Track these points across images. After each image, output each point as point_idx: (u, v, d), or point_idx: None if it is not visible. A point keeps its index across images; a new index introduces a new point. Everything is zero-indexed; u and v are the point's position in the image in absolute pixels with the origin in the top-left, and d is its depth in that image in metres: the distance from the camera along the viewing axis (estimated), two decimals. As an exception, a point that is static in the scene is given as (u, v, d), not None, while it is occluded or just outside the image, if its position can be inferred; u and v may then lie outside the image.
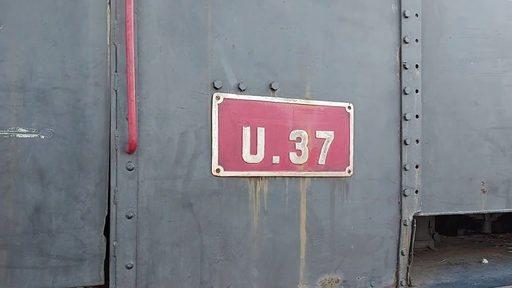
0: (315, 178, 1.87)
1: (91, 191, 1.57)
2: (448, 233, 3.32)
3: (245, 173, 1.75)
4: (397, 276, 2.04)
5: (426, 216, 2.22)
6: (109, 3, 1.60)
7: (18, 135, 1.49)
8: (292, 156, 1.82)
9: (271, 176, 1.80)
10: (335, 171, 1.90)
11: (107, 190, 1.58)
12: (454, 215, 3.29)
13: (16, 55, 1.49)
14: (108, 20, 1.60)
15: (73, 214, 1.55)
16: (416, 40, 2.07)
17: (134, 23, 1.56)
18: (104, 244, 1.59)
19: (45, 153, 1.52)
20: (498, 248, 2.93)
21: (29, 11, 1.51)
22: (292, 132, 1.83)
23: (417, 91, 2.06)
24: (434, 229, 2.92)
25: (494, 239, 3.23)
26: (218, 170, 1.71)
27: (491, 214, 3.22)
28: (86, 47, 1.57)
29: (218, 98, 1.72)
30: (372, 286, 1.98)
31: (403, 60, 2.04)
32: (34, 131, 1.51)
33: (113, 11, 1.60)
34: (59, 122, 1.53)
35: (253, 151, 1.76)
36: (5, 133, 1.48)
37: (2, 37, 1.47)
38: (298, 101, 1.84)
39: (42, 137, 1.52)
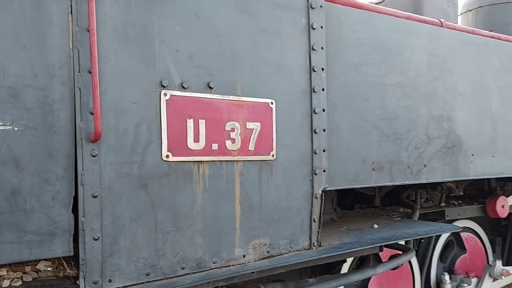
0: (246, 161, 2.27)
1: (60, 175, 1.81)
2: (347, 208, 3.93)
3: (190, 158, 2.10)
4: (310, 239, 2.51)
5: (331, 190, 2.72)
6: (71, 12, 1.84)
7: (-11, 127, 1.70)
8: (228, 143, 2.21)
9: (211, 161, 2.16)
10: (262, 155, 2.32)
11: (74, 174, 1.84)
12: (351, 193, 3.91)
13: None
14: (71, 28, 1.84)
15: (45, 195, 1.78)
16: (322, 47, 2.56)
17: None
18: (72, 220, 1.84)
19: (19, 143, 1.73)
20: (386, 217, 3.59)
21: (2, 19, 1.71)
22: (227, 123, 2.21)
23: (323, 89, 2.55)
24: (336, 205, 3.49)
25: (383, 210, 3.91)
26: (167, 156, 2.04)
27: (380, 189, 3.89)
28: (52, 51, 1.80)
29: (165, 94, 2.04)
30: (291, 247, 2.44)
31: (312, 64, 2.51)
32: (8, 124, 1.72)
33: (75, 19, 1.84)
34: (30, 115, 1.76)
35: (196, 139, 2.12)
36: (-20, 125, 1.68)
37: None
38: (231, 97, 2.23)
39: (16, 128, 1.73)
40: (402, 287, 3.99)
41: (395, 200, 3.99)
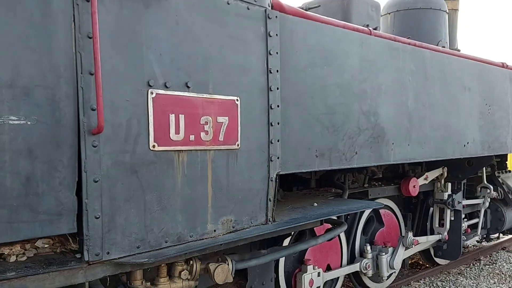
0: (217, 150, 2.66)
1: (65, 163, 2.09)
2: (286, 190, 4.46)
3: (171, 148, 2.45)
4: (266, 215, 2.97)
5: (284, 174, 3.18)
6: (74, 21, 2.11)
7: (10, 122, 1.94)
8: (202, 135, 2.58)
9: (189, 150, 2.53)
10: (229, 145, 2.72)
11: (77, 162, 2.12)
12: (290, 176, 4.43)
13: (6, 60, 1.92)
14: (73, 34, 2.11)
15: (53, 181, 2.05)
16: (277, 52, 2.99)
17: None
18: (76, 202, 2.13)
19: (31, 136, 1.99)
20: (321, 197, 4.15)
21: (15, 26, 1.94)
22: (202, 117, 2.58)
23: (278, 88, 2.99)
24: (279, 187, 3.99)
25: (318, 191, 4.48)
26: (154, 146, 2.37)
27: (316, 173, 4.45)
28: (58, 55, 2.06)
29: (152, 93, 2.37)
30: (252, 223, 2.88)
31: (269, 67, 2.93)
32: (22, 119, 1.97)
33: (77, 27, 2.11)
34: (41, 111, 2.01)
35: (177, 131, 2.47)
36: (6, 119, 1.91)
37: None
38: (205, 95, 2.59)
39: (29, 123, 1.99)
40: (332, 257, 4.62)
41: (327, 182, 4.58)
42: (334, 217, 3.86)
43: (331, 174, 4.46)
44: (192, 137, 2.53)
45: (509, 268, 6.53)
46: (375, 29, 5.17)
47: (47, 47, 2.03)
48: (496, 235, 7.40)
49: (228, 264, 2.80)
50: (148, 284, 2.54)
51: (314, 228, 4.08)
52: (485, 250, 7.21)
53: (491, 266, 6.60)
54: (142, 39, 2.33)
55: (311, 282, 4.19)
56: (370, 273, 4.88)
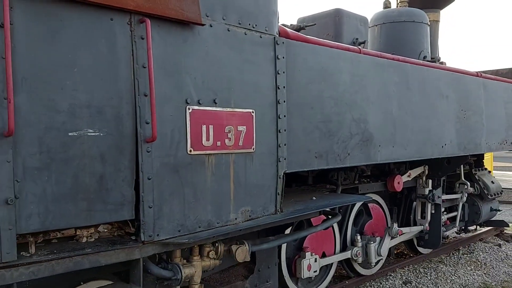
0: (237, 153, 3.30)
1: (126, 165, 2.71)
2: (286, 186, 5.10)
3: (203, 152, 3.08)
4: (275, 206, 3.62)
5: (288, 172, 3.83)
6: (132, 55, 2.73)
7: (88, 133, 2.56)
8: (226, 141, 3.22)
9: (216, 153, 3.17)
10: (246, 149, 3.36)
11: (135, 164, 2.75)
12: (289, 174, 5.07)
13: (84, 87, 2.54)
14: (132, 65, 2.73)
15: (118, 179, 2.68)
16: (283, 72, 3.63)
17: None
18: (134, 195, 2.75)
19: (103, 144, 2.61)
20: (318, 192, 4.82)
21: (90, 61, 2.57)
22: (226, 127, 3.22)
23: (284, 101, 3.63)
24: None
25: (314, 187, 5.15)
26: (190, 151, 3.01)
27: (313, 171, 5.11)
28: (121, 81, 2.68)
29: (189, 109, 3.00)
30: (264, 213, 3.52)
31: (277, 84, 3.58)
32: (96, 131, 2.59)
33: (135, 59, 2.73)
34: (109, 125, 2.63)
35: (207, 139, 3.10)
36: (81, 132, 2.53)
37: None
38: (228, 109, 3.23)
39: (101, 134, 2.61)
40: (327, 246, 5.28)
41: (323, 179, 5.25)
42: (328, 209, 4.52)
43: (326, 172, 5.13)
44: (218, 143, 3.17)
45: (484, 257, 7.27)
46: (363, 42, 5.89)
47: (113, 76, 2.65)
48: (474, 227, 8.14)
49: (245, 246, 3.44)
50: (184, 261, 3.18)
51: (311, 219, 4.75)
52: (463, 241, 7.96)
53: (468, 255, 7.33)
54: (181, 67, 2.96)
55: (309, 266, 4.86)
56: (360, 260, 5.56)
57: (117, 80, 2.67)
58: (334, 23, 5.92)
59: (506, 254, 7.56)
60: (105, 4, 2.57)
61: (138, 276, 2.84)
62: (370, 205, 5.88)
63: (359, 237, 5.55)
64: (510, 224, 8.79)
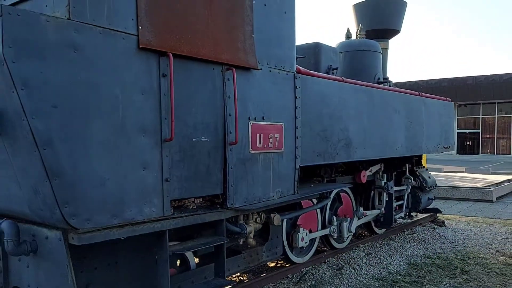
0: (274, 152, 5.11)
1: (219, 159, 4.44)
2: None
3: (257, 151, 4.86)
4: (294, 189, 5.45)
5: (305, 166, 5.66)
6: (223, 89, 4.46)
7: (202, 140, 4.26)
8: (269, 144, 5.02)
9: (263, 152, 4.95)
10: (279, 149, 5.18)
11: (223, 159, 4.47)
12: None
13: (201, 110, 4.24)
14: (223, 97, 4.46)
15: (216, 167, 4.40)
16: (299, 97, 5.49)
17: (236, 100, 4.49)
18: (222, 178, 4.48)
19: (209, 146, 4.32)
20: (311, 182, 6.70)
21: (203, 94, 4.28)
22: (269, 135, 5.01)
23: (299, 117, 5.48)
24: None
25: (306, 179, 7.03)
26: (251, 150, 4.78)
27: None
28: (218, 107, 4.40)
29: (250, 123, 4.77)
30: (288, 193, 5.34)
31: (296, 105, 5.42)
32: (205, 138, 4.30)
33: (225, 93, 4.47)
34: (211, 134, 4.35)
35: (259, 143, 4.88)
36: (198, 139, 4.23)
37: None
38: (269, 123, 5.03)
39: (208, 140, 4.32)
40: (312, 225, 7.18)
41: (310, 173, 7.15)
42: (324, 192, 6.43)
43: (314, 168, 7.03)
44: (265, 145, 4.96)
45: (424, 236, 9.51)
46: (336, 68, 7.89)
47: (214, 103, 4.37)
48: (415, 214, 10.43)
49: (278, 215, 5.27)
50: (243, 222, 4.94)
51: (302, 202, 6.63)
52: (407, 225, 10.20)
53: (411, 235, 9.54)
54: (246, 96, 4.73)
55: (302, 239, 6.73)
56: (335, 235, 7.52)
57: (216, 106, 4.40)
58: (314, 54, 7.87)
59: (439, 235, 9.87)
60: (211, 60, 4.30)
61: (223, 230, 4.56)
62: (341, 194, 7.87)
63: (334, 218, 7.50)
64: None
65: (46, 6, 3.34)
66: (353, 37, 9.61)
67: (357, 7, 10.44)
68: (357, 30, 9.58)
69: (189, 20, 4.04)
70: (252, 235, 5.00)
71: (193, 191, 4.23)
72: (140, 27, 3.65)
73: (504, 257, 8.15)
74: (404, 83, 39.54)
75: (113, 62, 3.48)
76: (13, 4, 3.57)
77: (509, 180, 17.97)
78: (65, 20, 3.19)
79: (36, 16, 3.04)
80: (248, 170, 4.75)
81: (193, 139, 4.18)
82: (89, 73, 3.32)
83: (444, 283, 6.74)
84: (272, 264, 7.27)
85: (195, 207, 4.47)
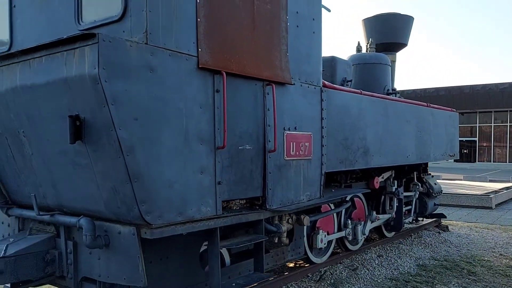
0: (304, 159, 5.69)
1: (259, 165, 5.01)
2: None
3: (291, 158, 5.44)
4: (320, 193, 6.03)
5: (328, 172, 6.24)
6: (264, 103, 5.05)
7: (246, 147, 4.83)
8: (300, 152, 5.60)
9: (296, 159, 5.53)
10: (308, 157, 5.76)
11: (263, 165, 5.05)
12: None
13: (244, 122, 4.81)
14: (263, 109, 5.04)
15: (257, 172, 4.97)
16: (325, 108, 6.07)
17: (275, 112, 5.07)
18: (262, 182, 5.05)
19: (252, 153, 4.90)
20: (330, 187, 7.28)
21: (247, 107, 4.86)
22: (300, 143, 5.59)
23: (325, 127, 6.07)
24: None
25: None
26: (285, 157, 5.35)
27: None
28: (259, 118, 4.98)
29: (285, 132, 5.35)
30: (315, 196, 5.92)
31: (322, 116, 6.01)
32: (248, 146, 4.87)
33: (265, 105, 5.05)
34: (253, 143, 4.92)
35: (292, 150, 5.46)
36: (244, 147, 4.80)
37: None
38: (301, 132, 5.61)
39: (251, 148, 4.89)
40: (329, 227, 7.75)
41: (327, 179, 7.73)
42: (345, 197, 7.01)
43: (332, 174, 7.61)
44: (297, 153, 5.54)
45: (430, 240, 10.11)
46: (350, 80, 8.51)
47: (255, 115, 4.95)
48: (421, 218, 11.03)
49: (307, 216, 5.84)
50: (278, 223, 5.50)
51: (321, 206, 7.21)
52: (414, 229, 10.80)
53: (418, 239, 10.14)
54: (282, 108, 5.31)
55: (322, 240, 7.30)
56: (350, 238, 8.09)
57: (257, 117, 4.98)
58: (330, 66, 8.46)
59: (445, 239, 10.47)
60: (254, 77, 4.88)
61: (261, 229, 5.13)
62: (355, 199, 8.45)
63: (349, 222, 8.07)
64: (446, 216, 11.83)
65: (124, 31, 3.91)
66: (363, 50, 10.24)
67: (366, 21, 11.09)
68: (367, 43, 10.21)
69: (237, 42, 4.63)
70: (285, 234, 5.56)
71: (239, 194, 4.79)
72: (200, 49, 4.22)
73: (507, 260, 8.76)
74: (402, 91, 40.39)
75: (179, 80, 4.05)
76: (89, 29, 4.14)
77: (507, 188, 18.67)
78: (143, 45, 3.76)
79: (123, 42, 3.61)
80: (283, 175, 5.32)
81: (239, 147, 4.75)
82: (161, 90, 3.89)
83: (453, 283, 7.31)
84: (291, 264, 7.83)
85: (238, 208, 5.03)
